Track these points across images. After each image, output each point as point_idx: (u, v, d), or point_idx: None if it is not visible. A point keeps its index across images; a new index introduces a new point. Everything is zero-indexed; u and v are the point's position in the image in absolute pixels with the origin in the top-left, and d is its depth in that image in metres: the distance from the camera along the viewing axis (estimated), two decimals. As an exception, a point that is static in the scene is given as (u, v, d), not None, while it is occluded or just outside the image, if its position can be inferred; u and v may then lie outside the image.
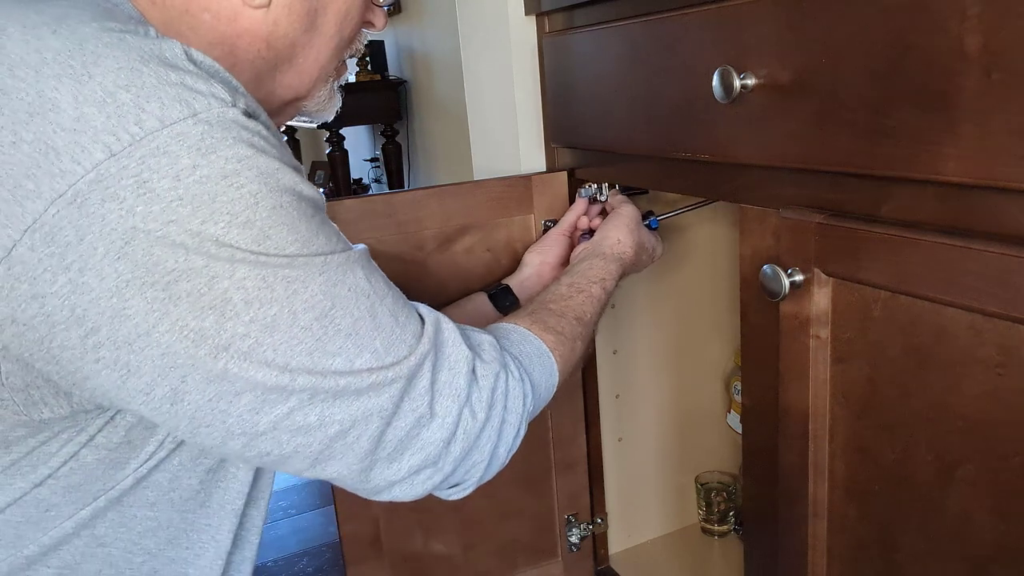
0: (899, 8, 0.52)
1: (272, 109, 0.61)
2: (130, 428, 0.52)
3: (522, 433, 0.61)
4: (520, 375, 0.60)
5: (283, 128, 3.30)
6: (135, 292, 0.42)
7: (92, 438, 0.50)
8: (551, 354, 0.67)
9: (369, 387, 0.49)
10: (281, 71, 0.58)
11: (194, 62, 0.45)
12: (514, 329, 0.67)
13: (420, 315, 0.55)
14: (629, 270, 0.90)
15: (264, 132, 0.46)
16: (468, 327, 0.60)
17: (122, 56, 0.42)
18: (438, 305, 0.91)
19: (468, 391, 0.55)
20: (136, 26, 0.45)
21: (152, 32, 0.46)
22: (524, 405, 0.60)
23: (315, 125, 0.68)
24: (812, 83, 0.60)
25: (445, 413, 0.53)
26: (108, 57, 0.42)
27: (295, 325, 0.46)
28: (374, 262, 0.54)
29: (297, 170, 0.48)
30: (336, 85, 0.65)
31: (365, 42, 0.66)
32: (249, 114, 0.46)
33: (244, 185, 0.43)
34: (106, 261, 0.41)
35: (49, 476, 0.50)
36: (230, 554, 0.61)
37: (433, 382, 0.53)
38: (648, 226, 0.96)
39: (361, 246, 0.53)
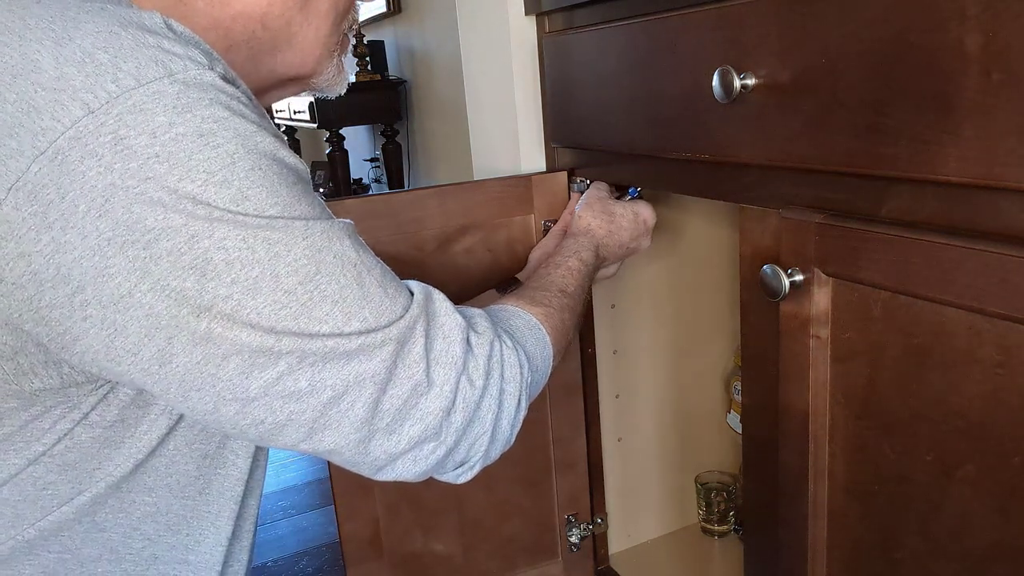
0: (899, 8, 0.52)
1: (274, 87, 0.61)
2: (124, 407, 0.51)
3: (524, 407, 0.60)
4: (513, 345, 0.60)
5: (284, 128, 3.25)
6: (116, 250, 0.42)
7: (86, 416, 0.50)
8: (541, 326, 0.67)
9: (359, 350, 0.49)
10: (280, 51, 0.58)
11: (172, 30, 0.46)
12: (502, 308, 0.67)
13: (410, 289, 0.55)
14: (608, 240, 0.90)
15: (243, 98, 0.46)
16: (459, 305, 0.60)
17: (101, 21, 0.43)
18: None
19: (464, 359, 0.54)
20: (120, 1, 0.47)
21: (134, 7, 0.46)
22: (522, 375, 0.59)
23: (332, 97, 0.69)
24: (812, 83, 0.60)
25: (443, 381, 0.53)
26: (88, 22, 0.43)
27: (278, 288, 0.46)
28: (360, 237, 0.53)
29: (278, 138, 0.48)
30: (342, 58, 0.65)
31: (360, 16, 0.65)
32: (227, 80, 0.46)
33: (221, 145, 0.44)
34: (88, 219, 0.41)
35: (44, 453, 0.50)
36: (230, 542, 0.62)
37: (428, 349, 0.53)
38: (630, 196, 0.97)
39: (347, 220, 0.53)
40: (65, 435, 0.50)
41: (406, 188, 2.72)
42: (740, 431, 0.90)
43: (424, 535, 1.05)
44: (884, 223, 0.58)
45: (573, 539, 1.13)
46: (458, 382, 0.54)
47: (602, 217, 0.91)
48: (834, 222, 0.61)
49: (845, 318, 0.62)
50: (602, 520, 1.18)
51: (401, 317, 0.51)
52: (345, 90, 0.66)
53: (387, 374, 0.50)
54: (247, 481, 0.62)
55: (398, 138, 2.76)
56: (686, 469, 1.29)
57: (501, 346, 0.58)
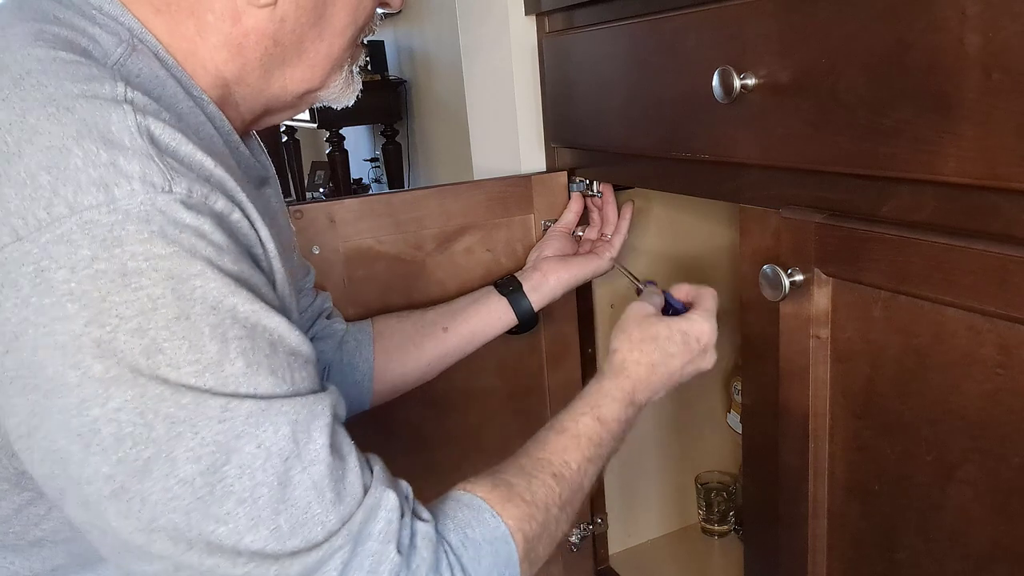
0: (899, 8, 0.52)
1: (286, 102, 0.60)
2: None
3: None
4: None
5: (284, 128, 3.20)
6: (18, 391, 0.40)
7: None
8: (509, 537, 0.54)
9: None
10: (291, 65, 0.57)
11: (149, 135, 0.42)
12: (467, 503, 0.55)
13: (365, 489, 0.47)
14: (651, 377, 0.71)
15: (206, 227, 0.42)
16: (417, 505, 0.52)
17: (58, 132, 0.40)
18: (440, 302, 0.91)
19: None
20: (102, 82, 0.43)
21: (119, 90, 0.43)
22: None
23: (338, 108, 0.69)
24: (812, 83, 0.60)
25: None
26: (44, 132, 0.40)
27: (172, 475, 0.40)
28: (326, 418, 0.46)
29: (236, 278, 0.43)
30: (354, 69, 0.63)
31: (379, 22, 0.63)
32: (191, 204, 0.42)
33: (144, 287, 0.39)
34: None
35: (44, 539, 0.49)
36: None
37: None
38: (669, 308, 0.79)
39: (326, 393, 0.47)
40: (64, 524, 0.48)
41: (406, 188, 2.72)
42: (740, 431, 0.90)
43: (424, 535, 1.04)
44: (884, 223, 0.58)
45: (573, 539, 1.13)
46: None
47: (642, 348, 0.71)
48: (834, 222, 0.61)
49: (845, 318, 0.62)
50: (602, 520, 1.18)
51: (317, 545, 0.44)
52: (353, 101, 0.64)
53: None
54: None
55: (398, 138, 2.75)
56: (686, 469, 1.29)
57: None
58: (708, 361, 0.75)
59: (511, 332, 0.93)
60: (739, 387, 1.19)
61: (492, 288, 0.92)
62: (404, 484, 0.52)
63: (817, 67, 0.59)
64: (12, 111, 0.41)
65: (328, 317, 0.85)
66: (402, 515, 0.49)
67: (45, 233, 0.39)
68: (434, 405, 1.00)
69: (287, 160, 2.97)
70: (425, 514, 0.52)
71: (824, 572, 0.70)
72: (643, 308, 0.75)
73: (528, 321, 0.92)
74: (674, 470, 1.28)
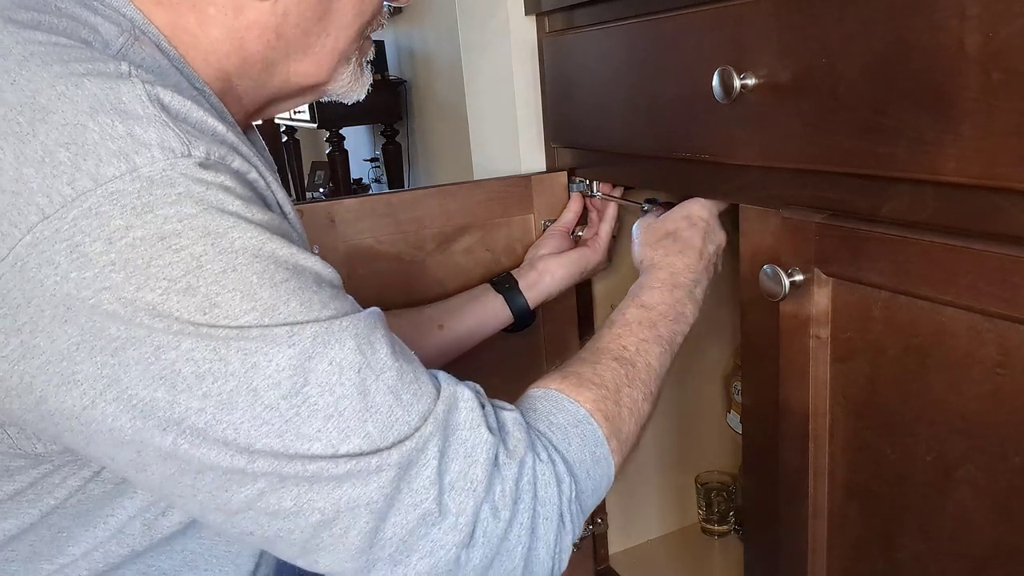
0: (899, 8, 0.52)
1: (289, 94, 0.60)
2: None
3: (570, 527, 0.52)
4: (549, 456, 0.52)
5: (284, 128, 3.18)
6: (85, 356, 0.40)
7: (97, 474, 0.49)
8: (591, 418, 0.58)
9: (348, 475, 0.44)
10: (294, 59, 0.56)
11: (160, 103, 0.42)
12: (543, 395, 0.59)
13: (437, 388, 0.49)
14: (681, 260, 0.78)
15: (228, 182, 0.43)
16: (495, 400, 0.54)
17: (70, 109, 0.40)
18: (438, 300, 0.91)
19: (488, 484, 0.48)
20: (105, 62, 0.43)
21: (123, 68, 0.43)
22: (560, 491, 0.52)
23: (348, 103, 0.68)
24: (812, 83, 0.60)
25: (459, 511, 0.47)
26: (57, 111, 0.40)
27: (257, 403, 0.42)
28: (381, 329, 0.48)
29: (267, 227, 0.44)
30: (364, 62, 0.62)
31: (387, 17, 0.62)
32: (208, 164, 0.42)
33: (185, 247, 0.40)
34: (55, 324, 0.39)
35: (57, 507, 0.49)
36: (252, 572, 0.59)
37: (442, 473, 0.47)
38: (644, 211, 0.91)
39: (372, 310, 0.49)
40: (77, 491, 0.49)
41: (406, 188, 2.72)
42: (740, 431, 0.90)
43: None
44: (884, 223, 0.58)
45: (573, 539, 1.13)
46: (478, 512, 0.47)
47: (663, 244, 0.79)
48: (834, 222, 0.61)
49: (845, 318, 0.62)
50: (602, 520, 1.18)
51: (409, 436, 0.46)
52: (364, 95, 0.63)
53: (386, 502, 0.45)
54: None
55: (398, 138, 2.75)
56: (686, 469, 1.29)
57: (534, 460, 0.51)
58: (718, 237, 0.82)
59: (508, 330, 0.93)
60: (739, 387, 1.19)
61: (488, 286, 0.92)
62: (471, 383, 0.54)
63: (817, 67, 0.59)
64: (22, 92, 0.40)
65: None
66: (482, 405, 0.51)
67: (72, 209, 0.39)
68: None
69: (287, 160, 2.97)
70: (509, 405, 0.55)
71: (824, 572, 0.70)
72: (644, 220, 0.84)
73: (524, 319, 0.92)
74: (674, 470, 1.28)
